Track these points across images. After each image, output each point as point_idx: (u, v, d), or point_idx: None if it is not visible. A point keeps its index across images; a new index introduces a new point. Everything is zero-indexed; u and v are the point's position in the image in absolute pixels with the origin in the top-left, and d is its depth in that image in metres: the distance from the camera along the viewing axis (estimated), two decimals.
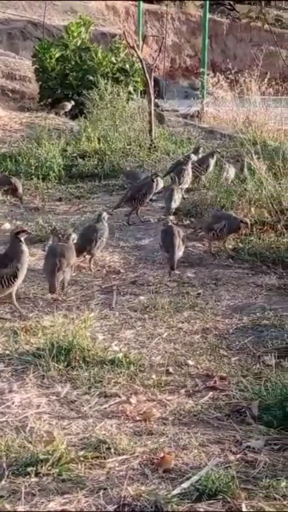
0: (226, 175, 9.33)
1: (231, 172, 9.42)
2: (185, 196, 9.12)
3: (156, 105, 14.38)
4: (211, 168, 9.74)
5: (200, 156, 9.96)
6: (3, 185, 9.45)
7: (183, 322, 5.70)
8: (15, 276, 5.81)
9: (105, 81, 14.21)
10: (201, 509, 3.37)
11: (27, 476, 3.59)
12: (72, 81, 16.15)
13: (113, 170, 10.88)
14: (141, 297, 6.22)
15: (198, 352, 5.16)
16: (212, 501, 3.43)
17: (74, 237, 6.73)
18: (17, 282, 5.85)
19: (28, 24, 21.68)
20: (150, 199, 8.94)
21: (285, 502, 3.43)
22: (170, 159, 11.04)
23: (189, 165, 9.10)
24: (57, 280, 6.13)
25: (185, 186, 8.91)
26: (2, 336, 5.31)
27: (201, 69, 17.20)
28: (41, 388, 4.56)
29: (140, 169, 10.26)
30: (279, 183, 8.31)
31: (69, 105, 15.00)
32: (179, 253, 6.77)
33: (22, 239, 5.96)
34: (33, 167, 10.93)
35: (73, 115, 15.55)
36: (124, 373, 4.73)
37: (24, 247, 5.94)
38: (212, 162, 9.77)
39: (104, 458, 3.77)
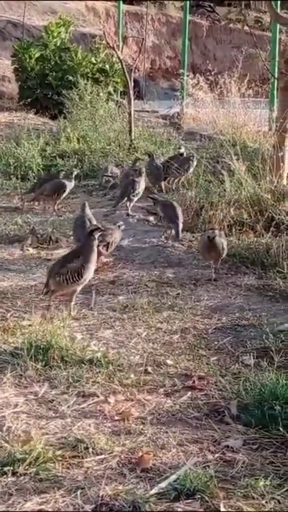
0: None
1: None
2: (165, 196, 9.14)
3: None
4: (191, 169, 9.75)
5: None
6: None
7: (162, 322, 5.69)
8: (79, 274, 5.70)
9: (85, 81, 14.22)
10: (179, 509, 3.35)
11: (4, 476, 3.56)
12: (51, 81, 16.13)
13: (93, 170, 10.86)
14: (120, 297, 6.21)
15: (177, 352, 5.15)
16: (190, 500, 3.41)
17: None
18: (81, 280, 5.72)
19: (8, 24, 21.61)
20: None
21: (263, 502, 3.42)
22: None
23: (142, 178, 8.95)
24: None
25: (136, 198, 8.89)
26: None
27: (181, 71, 17.21)
28: (19, 387, 4.53)
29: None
30: (259, 184, 8.32)
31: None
32: (181, 223, 7.49)
33: (96, 237, 5.86)
34: (12, 167, 10.91)
35: (53, 115, 15.52)
36: (103, 373, 4.70)
37: (95, 246, 5.84)
38: (193, 164, 9.77)
39: (82, 458, 3.74)
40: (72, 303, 5.79)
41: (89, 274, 5.79)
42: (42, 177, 9.93)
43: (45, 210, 9.23)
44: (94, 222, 7.10)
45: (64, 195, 9.02)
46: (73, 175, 9.15)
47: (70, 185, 9.04)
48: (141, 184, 8.81)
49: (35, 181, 10.02)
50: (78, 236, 7.07)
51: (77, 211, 8.03)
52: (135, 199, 8.81)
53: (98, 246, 6.41)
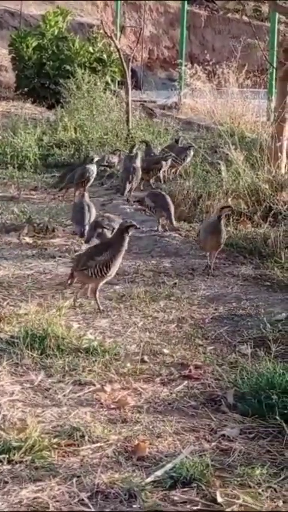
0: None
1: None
2: (163, 186, 9.14)
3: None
4: (188, 159, 9.73)
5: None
6: None
7: (158, 312, 5.67)
8: (107, 267, 5.61)
9: (83, 70, 14.16)
10: (176, 497, 3.33)
11: (0, 464, 3.54)
12: (49, 70, 16.10)
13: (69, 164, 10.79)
14: (117, 286, 6.18)
15: (173, 341, 5.13)
16: (186, 489, 3.40)
17: None
18: (108, 274, 5.63)
19: (5, 13, 21.55)
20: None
21: (260, 490, 3.40)
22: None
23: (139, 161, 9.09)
24: None
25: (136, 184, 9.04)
26: None
27: (179, 61, 17.17)
28: (15, 376, 4.51)
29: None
30: (257, 174, 8.30)
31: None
32: (173, 209, 7.68)
33: (130, 233, 5.75)
34: (8, 156, 10.88)
35: (50, 104, 15.48)
36: (99, 362, 4.68)
37: (126, 242, 5.73)
38: (190, 154, 9.75)
39: (78, 446, 3.73)
40: (97, 296, 5.71)
41: (115, 269, 5.72)
42: (67, 169, 9.88)
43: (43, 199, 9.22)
44: (93, 208, 7.27)
45: (92, 180, 9.08)
46: (94, 161, 9.19)
47: (95, 170, 9.09)
48: (140, 170, 9.00)
49: (58, 174, 10.11)
50: (76, 220, 7.26)
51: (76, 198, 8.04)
52: (136, 185, 9.00)
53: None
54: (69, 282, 5.90)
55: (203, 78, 14.38)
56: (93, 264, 5.61)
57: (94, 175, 9.08)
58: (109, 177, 9.93)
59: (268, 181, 8.17)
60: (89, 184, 9.02)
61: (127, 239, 5.73)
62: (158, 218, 7.80)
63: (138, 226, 5.96)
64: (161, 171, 9.60)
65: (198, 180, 8.60)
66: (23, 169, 10.60)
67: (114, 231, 6.17)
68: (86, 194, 7.43)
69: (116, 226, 6.72)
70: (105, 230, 6.70)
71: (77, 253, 6.18)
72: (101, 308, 5.65)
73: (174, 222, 7.66)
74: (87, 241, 6.92)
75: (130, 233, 5.76)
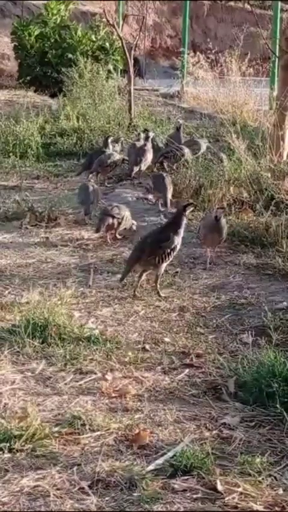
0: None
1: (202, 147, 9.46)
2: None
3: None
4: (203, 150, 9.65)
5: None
6: None
7: (160, 300, 5.67)
8: (174, 250, 5.72)
9: (85, 59, 14.12)
10: (176, 485, 3.35)
11: (1, 452, 3.55)
12: (51, 59, 16.06)
13: (92, 149, 10.80)
14: (119, 275, 6.17)
15: (175, 329, 5.14)
16: (186, 477, 3.41)
17: None
18: (171, 257, 5.76)
19: (7, 1, 21.46)
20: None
21: (260, 478, 3.41)
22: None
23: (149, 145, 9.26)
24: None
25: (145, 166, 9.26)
26: None
27: (182, 49, 17.11)
28: (16, 364, 4.52)
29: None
30: (259, 163, 8.28)
31: None
32: (169, 193, 7.84)
33: (187, 213, 5.86)
34: (11, 145, 10.85)
35: (52, 93, 15.45)
36: (100, 350, 4.69)
37: (185, 221, 5.85)
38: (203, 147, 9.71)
39: (79, 435, 3.74)
40: (159, 282, 5.77)
41: (178, 250, 5.84)
42: (90, 153, 9.96)
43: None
44: (98, 190, 7.74)
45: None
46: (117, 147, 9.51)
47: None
48: (151, 152, 9.17)
49: (79, 162, 10.27)
50: (81, 198, 7.73)
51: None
52: (145, 167, 9.17)
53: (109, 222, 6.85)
54: (126, 276, 5.88)
55: (205, 66, 14.34)
56: (160, 252, 5.66)
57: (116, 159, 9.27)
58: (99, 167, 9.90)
59: (270, 170, 8.15)
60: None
61: (185, 220, 5.85)
62: (156, 198, 8.04)
63: (195, 203, 6.04)
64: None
65: (200, 168, 8.56)
66: (25, 158, 10.59)
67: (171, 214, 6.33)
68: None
69: (126, 215, 6.87)
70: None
71: (135, 244, 6.17)
72: (162, 295, 5.71)
73: (169, 204, 7.82)
74: (97, 231, 7.00)
75: (188, 212, 5.87)
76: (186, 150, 9.35)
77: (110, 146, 9.45)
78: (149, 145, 9.20)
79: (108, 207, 7.10)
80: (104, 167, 9.12)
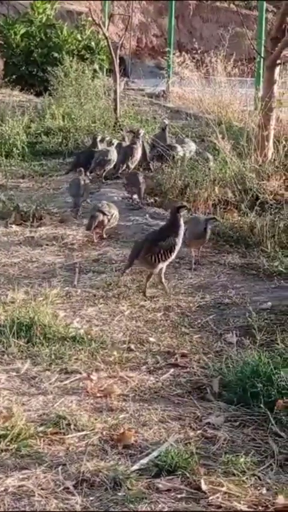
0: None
1: (191, 147, 9.45)
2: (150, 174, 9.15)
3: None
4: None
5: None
6: None
7: (145, 300, 5.68)
8: (171, 251, 5.74)
9: (71, 58, 14.11)
10: (160, 485, 3.36)
11: None
12: (37, 57, 16.04)
13: (77, 148, 10.80)
14: (104, 275, 6.19)
15: (160, 329, 5.15)
16: (171, 477, 3.42)
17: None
18: (171, 257, 5.79)
19: None
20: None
21: (244, 478, 3.43)
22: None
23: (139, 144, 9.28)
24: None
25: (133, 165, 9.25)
26: None
27: (167, 49, 17.12)
28: (1, 364, 4.52)
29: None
30: (244, 163, 8.30)
31: None
32: (143, 189, 8.19)
33: (181, 214, 5.88)
34: None
35: (37, 92, 15.43)
36: (85, 350, 4.70)
37: (182, 222, 5.87)
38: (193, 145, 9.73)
39: (64, 434, 3.74)
40: (163, 280, 5.82)
41: (176, 252, 5.86)
42: (78, 152, 10.00)
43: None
44: (88, 184, 8.02)
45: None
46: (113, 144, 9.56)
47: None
48: (139, 150, 9.17)
49: (65, 161, 10.29)
50: (73, 192, 7.96)
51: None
52: (133, 165, 9.15)
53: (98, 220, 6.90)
54: (126, 271, 5.95)
55: (191, 66, 14.36)
56: (157, 250, 5.69)
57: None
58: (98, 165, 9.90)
59: (255, 170, 8.18)
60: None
61: (182, 220, 5.86)
62: (131, 195, 8.31)
63: (188, 206, 6.18)
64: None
65: (186, 168, 8.58)
66: (10, 157, 10.57)
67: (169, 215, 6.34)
68: (83, 171, 8.18)
69: (115, 213, 6.98)
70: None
71: (136, 241, 6.19)
72: (168, 291, 5.77)
73: (142, 199, 8.19)
74: (88, 228, 7.02)
75: (182, 213, 5.89)
76: (179, 148, 9.38)
77: (99, 145, 9.44)
78: (138, 143, 9.19)
79: (98, 205, 7.12)
80: (103, 164, 9.17)
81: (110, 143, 9.66)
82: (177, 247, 5.83)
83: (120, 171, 9.17)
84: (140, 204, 8.17)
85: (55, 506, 3.21)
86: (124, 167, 9.14)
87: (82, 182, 7.97)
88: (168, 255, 5.75)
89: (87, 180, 8.23)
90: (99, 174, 9.26)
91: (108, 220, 7.02)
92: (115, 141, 9.80)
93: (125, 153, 9.17)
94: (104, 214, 6.97)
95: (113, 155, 9.16)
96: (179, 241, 5.83)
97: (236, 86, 13.08)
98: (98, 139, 9.55)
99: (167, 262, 5.83)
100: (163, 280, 5.83)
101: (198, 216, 6.89)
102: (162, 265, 5.80)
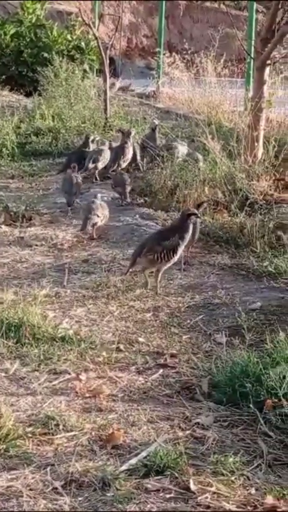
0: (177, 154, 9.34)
1: (182, 150, 9.42)
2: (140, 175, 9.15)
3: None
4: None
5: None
6: None
7: (135, 301, 5.68)
8: (174, 252, 5.75)
9: (60, 58, 14.08)
10: (149, 485, 3.35)
11: None
12: (27, 58, 16.01)
13: (67, 148, 10.79)
14: (94, 275, 6.18)
15: (149, 330, 5.15)
16: (159, 477, 3.42)
17: None
18: (174, 258, 5.81)
19: None
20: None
21: (232, 478, 3.43)
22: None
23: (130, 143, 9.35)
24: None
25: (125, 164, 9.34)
26: None
27: (157, 49, 17.11)
28: None
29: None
30: (233, 164, 8.31)
31: None
32: (128, 188, 8.32)
33: (191, 221, 5.93)
34: None
35: (27, 92, 15.41)
36: (74, 350, 4.69)
37: (190, 228, 5.91)
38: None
39: (52, 435, 3.74)
40: (159, 280, 5.85)
41: (180, 253, 5.89)
42: (70, 152, 10.00)
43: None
44: (80, 181, 8.16)
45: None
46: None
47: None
48: (130, 150, 9.24)
49: (54, 161, 10.29)
50: (65, 189, 8.10)
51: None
52: (124, 164, 9.21)
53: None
54: (129, 270, 6.00)
55: (181, 67, 14.35)
56: (159, 249, 5.72)
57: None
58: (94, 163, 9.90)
59: (245, 170, 8.19)
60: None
61: (191, 226, 5.91)
62: (117, 194, 8.41)
63: (199, 215, 6.22)
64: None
65: (176, 169, 8.58)
66: (0, 158, 10.54)
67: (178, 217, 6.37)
68: (76, 167, 8.31)
69: (106, 214, 7.14)
70: None
71: (141, 241, 6.26)
72: (159, 292, 5.79)
73: (128, 197, 8.31)
74: (82, 229, 7.08)
75: (193, 220, 5.95)
76: (181, 147, 9.38)
77: (91, 145, 9.42)
78: (130, 143, 9.22)
79: (92, 205, 7.12)
80: (97, 163, 9.20)
81: (101, 143, 9.67)
82: (180, 250, 5.85)
83: (111, 170, 9.15)
84: (125, 202, 8.27)
85: (43, 506, 3.20)
86: (115, 167, 9.13)
87: (75, 180, 8.05)
88: (170, 255, 5.77)
89: (80, 178, 8.21)
90: (92, 173, 9.24)
91: (101, 221, 7.04)
92: (106, 142, 9.80)
93: (117, 153, 9.17)
94: (97, 216, 7.00)
95: (107, 154, 9.17)
96: (183, 244, 5.86)
97: (226, 87, 13.07)
98: (90, 139, 9.54)
99: (169, 264, 5.85)
100: (159, 279, 5.83)
101: None
102: (165, 266, 5.82)
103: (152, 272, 5.92)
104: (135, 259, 5.91)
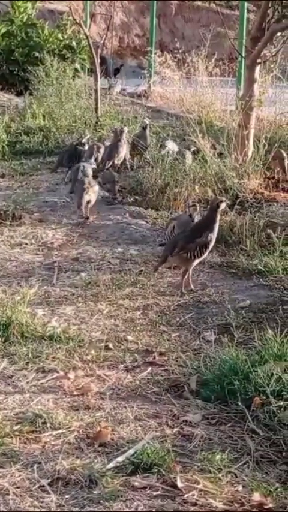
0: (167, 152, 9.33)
1: (171, 147, 9.41)
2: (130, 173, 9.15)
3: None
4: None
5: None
6: None
7: (124, 299, 5.67)
8: (206, 248, 5.75)
9: (52, 57, 14.06)
10: (136, 483, 3.35)
11: None
12: (18, 57, 15.99)
13: (58, 147, 10.78)
14: (83, 274, 6.17)
15: (138, 328, 5.14)
16: (147, 474, 3.41)
17: None
18: (206, 254, 5.81)
19: None
20: None
21: (220, 475, 3.43)
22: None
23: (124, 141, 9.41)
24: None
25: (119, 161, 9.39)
26: None
27: (149, 48, 17.11)
28: None
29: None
30: (224, 162, 8.31)
31: None
32: (117, 185, 8.56)
33: (220, 210, 5.91)
34: None
35: (18, 91, 15.40)
36: (63, 349, 4.68)
37: (218, 219, 5.89)
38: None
39: (40, 433, 3.73)
40: (190, 275, 5.88)
41: (210, 248, 5.89)
42: (63, 150, 9.96)
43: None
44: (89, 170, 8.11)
45: None
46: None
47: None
48: (124, 147, 9.30)
49: (45, 160, 10.29)
50: (71, 177, 8.42)
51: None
52: (119, 162, 9.27)
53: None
54: (159, 267, 6.04)
55: (172, 66, 14.35)
56: (193, 247, 5.71)
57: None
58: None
59: (235, 169, 8.19)
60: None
61: (219, 216, 5.91)
62: (106, 191, 8.50)
63: (227, 201, 6.18)
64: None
65: (166, 167, 8.57)
66: None
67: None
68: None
69: (96, 189, 7.64)
70: None
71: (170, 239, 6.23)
72: (183, 290, 5.79)
73: (116, 193, 8.46)
74: (79, 207, 7.52)
75: (221, 208, 5.92)
76: (171, 144, 9.38)
77: (86, 144, 9.38)
78: (123, 140, 9.24)
79: (84, 183, 7.52)
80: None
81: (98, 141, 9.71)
82: (212, 244, 5.85)
83: (106, 167, 9.15)
84: (114, 197, 8.37)
85: (30, 504, 3.19)
86: (110, 164, 9.14)
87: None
88: (204, 251, 5.77)
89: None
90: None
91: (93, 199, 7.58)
92: (87, 138, 9.82)
93: (111, 151, 9.18)
94: (89, 195, 7.48)
95: (102, 149, 9.24)
96: (214, 237, 5.86)
97: (218, 86, 13.08)
98: (85, 138, 9.48)
99: (201, 259, 5.86)
100: (186, 277, 5.84)
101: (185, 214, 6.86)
102: (196, 263, 5.84)
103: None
104: (166, 258, 5.91)
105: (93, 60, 12.44)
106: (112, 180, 8.49)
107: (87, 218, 7.55)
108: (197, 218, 6.24)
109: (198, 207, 6.29)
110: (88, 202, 7.50)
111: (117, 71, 19.50)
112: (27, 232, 7.27)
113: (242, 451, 3.67)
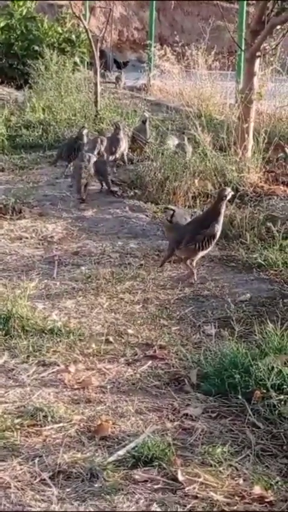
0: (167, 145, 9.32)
1: (171, 143, 9.40)
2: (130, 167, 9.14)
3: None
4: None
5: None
6: None
7: (124, 293, 5.67)
8: (214, 238, 5.79)
9: (51, 51, 14.04)
10: (137, 476, 3.36)
11: None
12: (17, 50, 15.98)
13: (58, 141, 10.77)
14: (83, 268, 6.17)
15: (138, 321, 5.14)
16: (147, 468, 3.42)
17: None
18: (212, 244, 5.85)
19: None
20: None
21: (220, 468, 3.43)
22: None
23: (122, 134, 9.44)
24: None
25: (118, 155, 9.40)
26: None
27: (148, 42, 17.09)
28: None
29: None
30: (223, 156, 8.30)
31: None
32: (110, 177, 8.53)
33: (226, 200, 5.94)
34: None
35: (18, 85, 15.39)
36: (63, 342, 4.69)
37: (223, 209, 5.92)
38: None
39: (41, 426, 3.74)
40: (194, 265, 5.91)
41: (218, 237, 5.94)
42: (62, 143, 9.97)
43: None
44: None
45: None
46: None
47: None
48: (125, 141, 9.34)
49: (45, 154, 10.30)
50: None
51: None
52: (118, 156, 9.30)
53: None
54: (166, 261, 6.08)
55: (172, 59, 14.33)
56: (201, 238, 5.76)
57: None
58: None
59: (235, 162, 8.18)
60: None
61: (225, 206, 5.95)
62: (99, 181, 8.48)
63: (233, 193, 6.18)
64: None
65: (165, 161, 8.56)
66: None
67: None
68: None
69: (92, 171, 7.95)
70: None
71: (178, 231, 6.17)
72: (194, 281, 5.84)
73: (110, 186, 8.44)
74: (78, 191, 7.99)
75: (228, 197, 5.93)
76: (171, 140, 9.38)
77: (85, 138, 9.37)
78: (122, 134, 9.25)
79: (81, 167, 7.94)
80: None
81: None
82: (218, 234, 5.89)
83: (111, 159, 9.18)
84: (111, 191, 8.38)
85: (31, 497, 3.20)
86: (113, 158, 9.19)
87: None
88: (211, 241, 5.81)
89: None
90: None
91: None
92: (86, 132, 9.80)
93: (111, 143, 9.18)
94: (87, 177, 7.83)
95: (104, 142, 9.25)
96: (220, 228, 5.89)
97: (217, 79, 13.06)
98: (84, 131, 9.46)
99: (207, 251, 5.91)
100: (194, 267, 5.90)
101: (180, 210, 6.86)
102: (203, 253, 5.88)
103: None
104: (173, 251, 5.94)
105: (93, 54, 12.44)
106: (105, 171, 8.46)
107: (83, 200, 7.92)
108: (182, 219, 6.26)
109: (173, 210, 6.25)
110: (86, 185, 7.94)
111: (124, 65, 19.61)
112: (27, 226, 7.27)
113: (243, 444, 3.67)
